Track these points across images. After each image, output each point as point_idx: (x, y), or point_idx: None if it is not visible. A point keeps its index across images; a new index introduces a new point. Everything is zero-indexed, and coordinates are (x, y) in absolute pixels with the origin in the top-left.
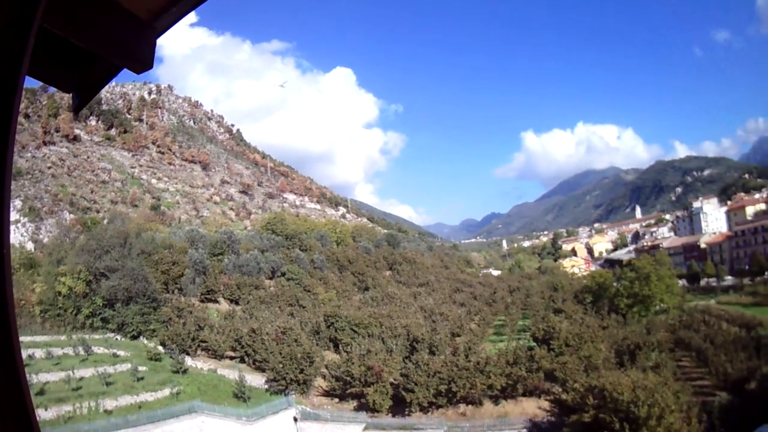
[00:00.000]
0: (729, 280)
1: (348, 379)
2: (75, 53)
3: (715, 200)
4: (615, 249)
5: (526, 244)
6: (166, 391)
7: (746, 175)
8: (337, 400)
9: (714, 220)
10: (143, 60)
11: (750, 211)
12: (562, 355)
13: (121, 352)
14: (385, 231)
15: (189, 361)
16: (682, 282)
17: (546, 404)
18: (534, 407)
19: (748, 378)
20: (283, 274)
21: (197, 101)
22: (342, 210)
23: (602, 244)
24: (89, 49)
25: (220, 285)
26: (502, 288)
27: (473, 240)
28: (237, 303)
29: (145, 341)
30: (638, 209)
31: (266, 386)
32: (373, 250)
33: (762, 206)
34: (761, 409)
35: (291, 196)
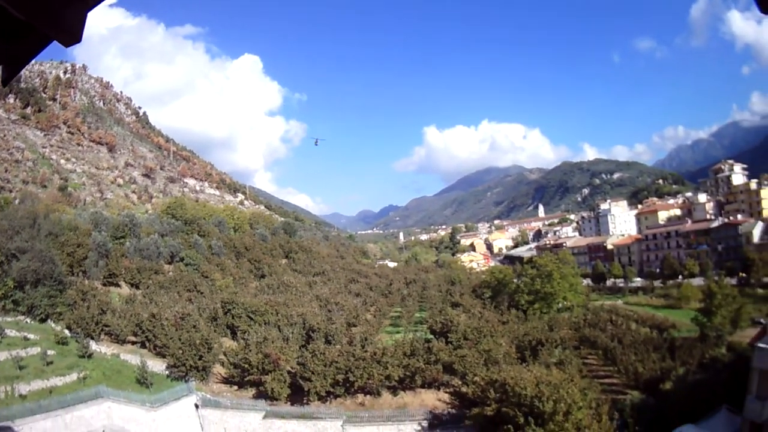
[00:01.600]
0: (638, 281)
1: (246, 366)
2: (5, 24)
3: (624, 203)
4: (515, 246)
5: (424, 237)
6: (74, 376)
7: (660, 181)
8: (236, 387)
9: (622, 222)
10: (73, 33)
11: (663, 215)
12: (461, 348)
13: (31, 335)
14: (282, 219)
15: (94, 346)
16: (586, 281)
17: (446, 396)
18: (433, 399)
19: (662, 378)
20: (182, 259)
21: (108, 82)
22: (240, 197)
23: (502, 241)
24: (21, 18)
25: (122, 269)
26: (398, 280)
27: (370, 231)
28: (137, 287)
29: (53, 324)
30: (541, 208)
31: (167, 372)
32: (270, 238)
33: (676, 212)
34: (678, 409)
35: (191, 181)
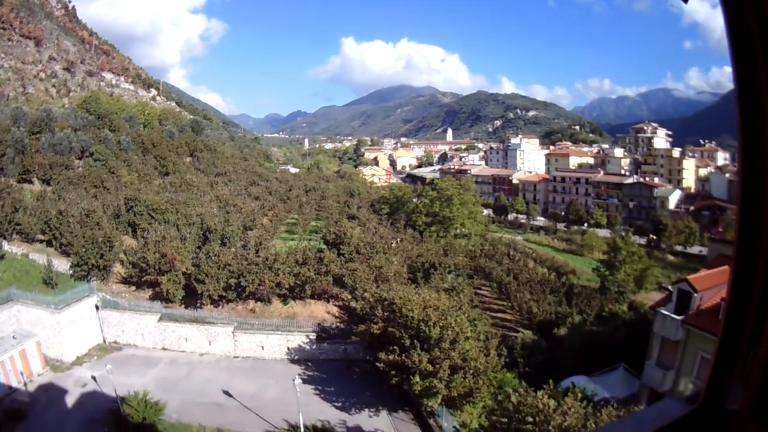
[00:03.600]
0: (541, 221)
1: (144, 266)
2: None
3: (536, 141)
4: (419, 166)
5: (329, 146)
6: None
7: (577, 127)
8: (134, 288)
9: (532, 159)
10: None
11: (574, 160)
12: (353, 261)
13: None
14: (191, 117)
15: (6, 246)
16: (487, 212)
17: (335, 310)
18: (323, 311)
19: (557, 323)
20: (92, 155)
21: None
22: (153, 92)
23: (407, 159)
24: None
25: (35, 165)
26: (298, 186)
27: (276, 135)
28: (48, 183)
29: None
30: (450, 132)
31: (71, 272)
32: (177, 135)
33: (590, 160)
34: (571, 358)
35: (109, 75)
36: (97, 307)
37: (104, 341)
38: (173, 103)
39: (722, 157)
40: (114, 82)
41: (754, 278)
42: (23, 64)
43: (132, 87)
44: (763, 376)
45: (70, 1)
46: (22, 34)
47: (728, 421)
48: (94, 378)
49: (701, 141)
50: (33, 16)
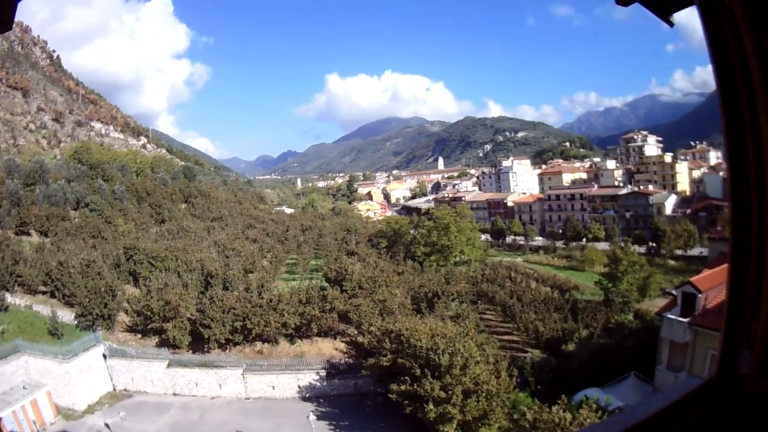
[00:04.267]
0: (539, 240)
1: (148, 313)
2: None
3: (527, 161)
4: (413, 197)
5: (321, 184)
6: None
7: (567, 143)
8: (140, 335)
9: (524, 180)
10: (6, 21)
11: (567, 177)
12: (356, 297)
13: None
14: (183, 163)
15: (9, 298)
16: (485, 237)
17: (342, 346)
18: (330, 348)
19: (564, 339)
20: (87, 205)
21: (27, 26)
22: (143, 140)
23: (400, 191)
24: None
25: (32, 216)
26: (294, 226)
27: (268, 176)
28: (46, 235)
29: None
30: (441, 161)
31: (76, 322)
32: (170, 182)
33: (582, 175)
34: (582, 372)
35: (98, 125)
36: (104, 356)
37: (114, 389)
38: (164, 150)
39: (714, 157)
40: (103, 131)
41: (749, 257)
42: (12, 116)
43: (122, 136)
44: (765, 341)
45: (54, 51)
46: (9, 84)
47: (742, 383)
48: (107, 425)
49: (692, 143)
50: (18, 66)
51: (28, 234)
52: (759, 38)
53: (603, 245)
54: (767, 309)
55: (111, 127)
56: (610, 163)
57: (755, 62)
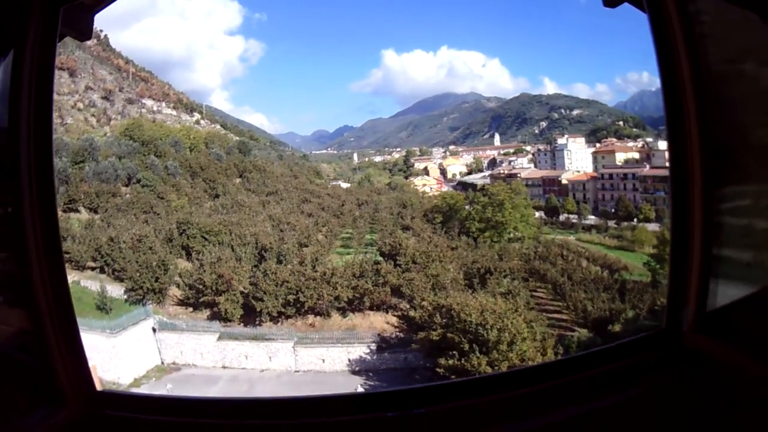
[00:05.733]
0: (592, 219)
1: (200, 287)
2: None
3: (582, 140)
4: (469, 173)
5: (378, 159)
6: None
7: (620, 122)
8: (191, 309)
9: (578, 158)
10: (84, 32)
11: (620, 156)
12: (409, 271)
13: None
14: (238, 138)
15: None
16: (539, 214)
17: (394, 319)
18: (381, 322)
19: (611, 319)
20: (138, 181)
21: None
22: (197, 116)
23: (456, 167)
24: None
25: (81, 194)
26: (350, 201)
27: (324, 151)
28: (96, 211)
29: None
30: (497, 137)
31: (125, 296)
32: (225, 157)
33: (635, 155)
34: None
35: (149, 102)
36: (154, 330)
37: (162, 362)
38: (218, 126)
39: None
40: (155, 108)
41: (687, 233)
42: (59, 96)
43: (174, 112)
44: (698, 302)
45: (102, 31)
46: (57, 66)
47: (682, 336)
48: None
49: None
50: (64, 47)
51: (77, 211)
52: (693, 46)
53: (653, 226)
54: (697, 276)
55: (163, 104)
56: (662, 144)
57: (687, 69)
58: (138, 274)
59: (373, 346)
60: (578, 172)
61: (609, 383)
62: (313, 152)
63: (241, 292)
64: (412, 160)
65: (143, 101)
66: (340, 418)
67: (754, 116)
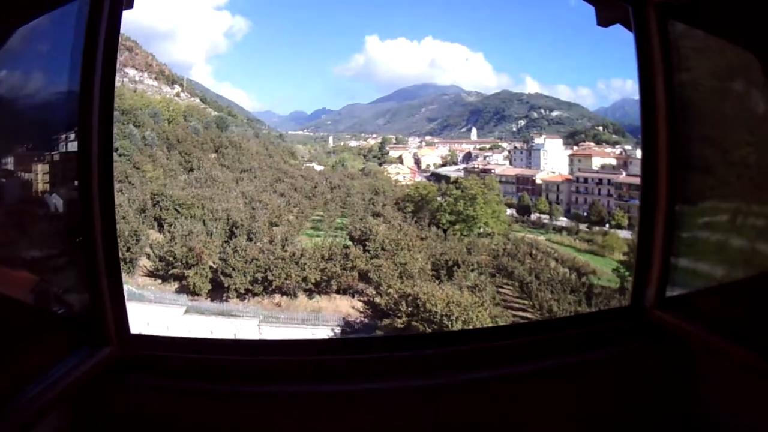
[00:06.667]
0: (563, 221)
1: (170, 259)
2: None
3: (559, 141)
4: (444, 164)
5: (353, 143)
6: None
7: (600, 128)
8: (160, 281)
9: (555, 159)
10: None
11: (597, 161)
12: (378, 258)
13: None
14: (216, 113)
15: None
16: (511, 211)
17: (359, 305)
18: (347, 306)
19: None
20: (116, 150)
21: None
22: (177, 89)
23: (431, 158)
24: None
25: None
26: (323, 183)
27: (300, 132)
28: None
29: None
30: (474, 131)
31: None
32: (202, 132)
33: (612, 161)
34: None
35: (132, 71)
36: None
37: None
38: (197, 100)
39: None
40: (137, 78)
41: (651, 224)
42: None
43: (156, 83)
44: (659, 283)
45: None
46: None
47: (644, 312)
48: None
49: None
50: None
51: None
52: (669, 66)
53: (625, 233)
54: (659, 261)
55: (145, 74)
56: (641, 153)
57: (662, 86)
58: None
59: (338, 330)
60: (553, 173)
61: (580, 344)
62: (290, 132)
63: (210, 267)
64: (387, 148)
65: (126, 70)
66: (359, 356)
67: (714, 130)
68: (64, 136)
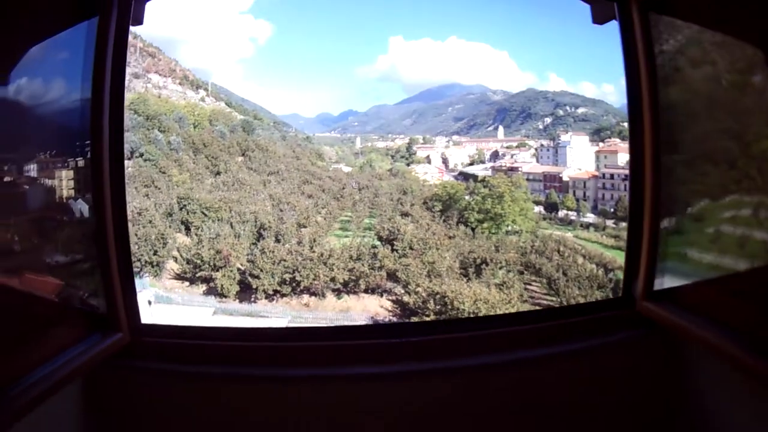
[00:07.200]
0: (591, 217)
1: (198, 262)
2: None
3: (585, 138)
4: (471, 163)
5: (381, 144)
6: None
7: (625, 124)
8: (187, 283)
9: (581, 156)
10: (138, 19)
11: (623, 157)
12: (406, 257)
13: None
14: (242, 117)
15: None
16: (538, 209)
17: (388, 304)
18: (376, 305)
19: None
20: (141, 155)
21: None
22: (202, 93)
23: (459, 157)
24: None
25: None
26: (351, 185)
27: (327, 134)
28: None
29: None
30: (501, 129)
31: None
32: (228, 135)
33: None
34: None
35: (155, 77)
36: (149, 302)
37: None
38: (223, 104)
39: None
40: (161, 83)
41: (640, 219)
42: None
43: (180, 88)
44: (648, 276)
45: None
46: None
47: (634, 302)
48: None
49: None
50: None
51: None
52: (651, 54)
53: None
54: (647, 254)
55: (169, 80)
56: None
57: (646, 79)
58: (136, 247)
59: None
60: (580, 170)
61: (573, 332)
62: (316, 134)
63: (238, 269)
64: (414, 148)
65: (149, 76)
66: (366, 342)
67: (695, 119)
68: (84, 143)
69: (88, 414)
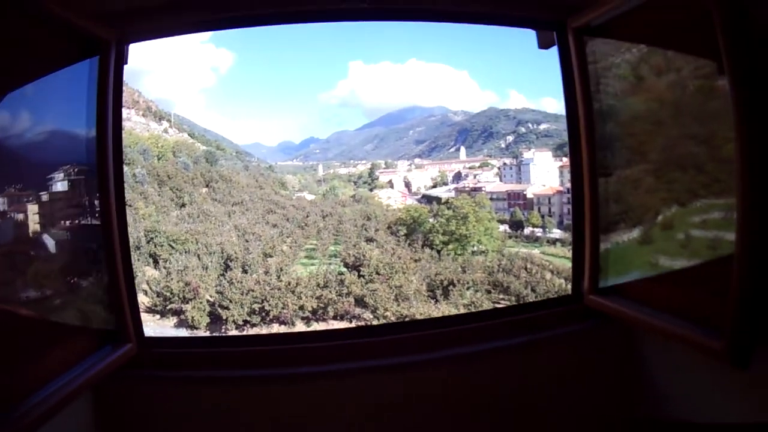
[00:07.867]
0: (557, 233)
1: (168, 294)
2: None
3: (549, 153)
4: (434, 186)
5: (343, 171)
6: None
7: None
8: (158, 316)
9: (545, 172)
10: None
11: None
12: (373, 282)
13: None
14: (205, 148)
15: None
16: (503, 227)
17: None
18: None
19: None
20: None
21: None
22: (165, 124)
23: (421, 180)
24: None
25: None
26: (315, 212)
27: (290, 162)
28: None
29: None
30: (463, 150)
31: None
32: (192, 167)
33: None
34: None
35: None
36: None
37: None
38: (186, 135)
39: None
40: (126, 115)
41: (582, 223)
42: None
43: (144, 120)
44: (592, 272)
45: None
46: None
47: (582, 298)
48: None
49: None
50: None
51: None
52: (585, 75)
53: None
54: (590, 254)
55: (132, 111)
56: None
57: (581, 96)
58: None
59: None
60: (544, 186)
61: (528, 327)
62: (279, 163)
63: (208, 301)
64: (377, 173)
65: None
66: (357, 341)
67: (661, 127)
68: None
69: (99, 423)
